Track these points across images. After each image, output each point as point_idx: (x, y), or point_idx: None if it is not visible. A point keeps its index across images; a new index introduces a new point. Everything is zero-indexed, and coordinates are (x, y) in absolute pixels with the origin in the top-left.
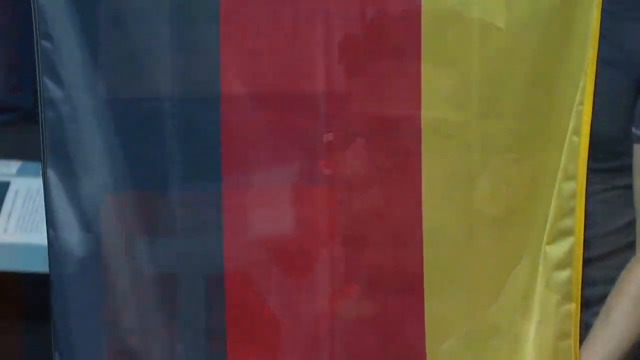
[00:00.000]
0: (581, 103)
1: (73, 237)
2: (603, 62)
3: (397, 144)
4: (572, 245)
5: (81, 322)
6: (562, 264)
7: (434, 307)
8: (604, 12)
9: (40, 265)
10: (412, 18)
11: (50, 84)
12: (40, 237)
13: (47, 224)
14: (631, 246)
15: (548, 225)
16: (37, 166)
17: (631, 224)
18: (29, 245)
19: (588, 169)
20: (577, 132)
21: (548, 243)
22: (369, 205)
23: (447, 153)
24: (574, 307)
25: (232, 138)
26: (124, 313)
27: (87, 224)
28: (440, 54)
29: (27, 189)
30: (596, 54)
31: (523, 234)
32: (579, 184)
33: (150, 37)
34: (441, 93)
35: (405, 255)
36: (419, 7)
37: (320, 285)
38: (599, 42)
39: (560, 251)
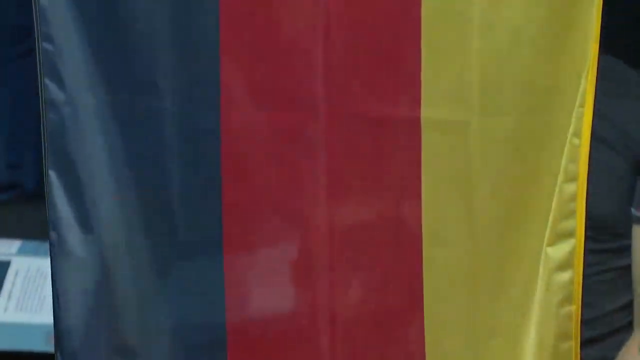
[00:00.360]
0: (582, 105)
1: (74, 238)
2: (602, 142)
3: (396, 143)
4: (573, 246)
5: (82, 322)
6: (563, 266)
7: (433, 307)
8: (601, 92)
9: (41, 344)
10: (411, 17)
11: (51, 86)
12: (40, 317)
13: (48, 225)
14: (629, 326)
15: (549, 227)
16: (37, 245)
17: (630, 304)
18: (29, 325)
19: (588, 250)
20: (577, 134)
21: (549, 245)
22: (367, 205)
23: (447, 152)
24: (574, 308)
25: (232, 137)
26: (124, 313)
27: (89, 225)
28: (440, 52)
29: (27, 268)
30: (597, 55)
31: (523, 235)
32: (580, 186)
33: (150, 39)
34: (441, 92)
35: (405, 256)
36: (419, 5)
37: (320, 285)
38: (599, 122)
39: (561, 253)
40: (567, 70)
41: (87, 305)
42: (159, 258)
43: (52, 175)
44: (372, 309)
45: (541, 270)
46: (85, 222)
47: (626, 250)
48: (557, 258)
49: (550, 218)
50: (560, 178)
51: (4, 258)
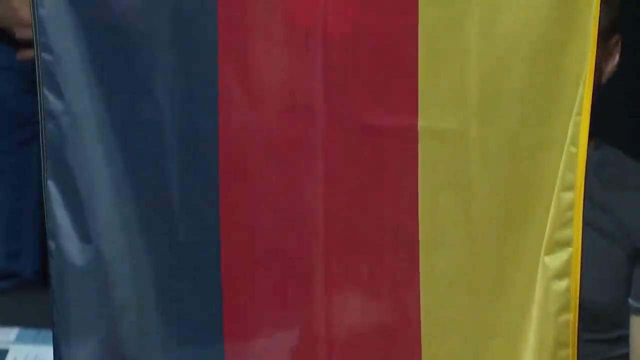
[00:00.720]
0: (579, 113)
1: (73, 247)
2: (600, 232)
3: (393, 150)
4: (570, 255)
5: (81, 331)
6: (561, 274)
7: (431, 313)
8: (599, 182)
9: None
10: (409, 24)
11: (50, 96)
12: None
13: (47, 235)
14: None
15: (546, 236)
16: (35, 333)
17: None
18: None
19: (585, 340)
20: (575, 142)
21: (546, 253)
22: (364, 212)
23: (444, 160)
24: (572, 317)
25: (230, 140)
26: (123, 322)
27: (87, 235)
28: (438, 61)
29: (25, 356)
30: (594, 63)
31: (521, 244)
32: (577, 195)
33: (149, 49)
34: (439, 100)
35: (402, 263)
36: (416, 13)
37: (317, 292)
38: (597, 212)
39: (559, 261)
40: (565, 78)
41: (86, 314)
42: (159, 266)
43: (51, 185)
44: (369, 315)
45: (539, 279)
46: (84, 232)
47: (624, 340)
48: (555, 267)
49: (548, 226)
50: (557, 186)
51: (2, 346)
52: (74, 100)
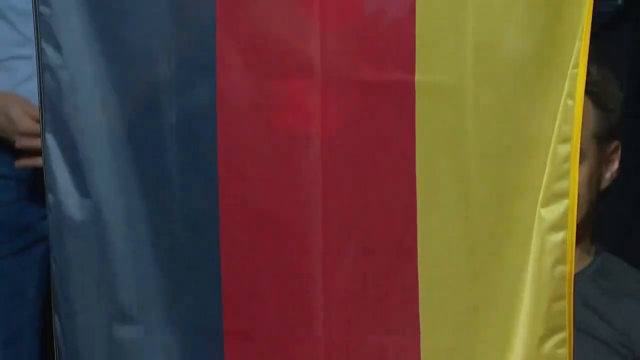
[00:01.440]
0: (575, 66)
1: (72, 201)
2: (599, 341)
3: (390, 107)
4: (566, 207)
5: (80, 286)
6: (557, 226)
7: (428, 273)
8: (599, 290)
9: None
10: None
11: (48, 50)
12: None
13: (46, 189)
14: None
15: (542, 188)
16: None
17: None
18: None
19: None
20: (571, 95)
21: (543, 206)
22: (362, 170)
23: (441, 117)
24: (568, 268)
25: (227, 102)
26: (122, 278)
27: (86, 189)
28: (435, 18)
29: None
30: (591, 16)
31: (518, 198)
32: (573, 147)
33: (149, 6)
34: (435, 57)
35: (399, 221)
36: None
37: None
38: (595, 320)
39: (555, 214)
40: (562, 33)
41: (85, 269)
42: (157, 222)
43: (49, 138)
44: (365, 272)
45: (535, 232)
46: (82, 186)
47: None
48: (551, 219)
49: (544, 179)
50: (554, 139)
51: None
52: (72, 54)
